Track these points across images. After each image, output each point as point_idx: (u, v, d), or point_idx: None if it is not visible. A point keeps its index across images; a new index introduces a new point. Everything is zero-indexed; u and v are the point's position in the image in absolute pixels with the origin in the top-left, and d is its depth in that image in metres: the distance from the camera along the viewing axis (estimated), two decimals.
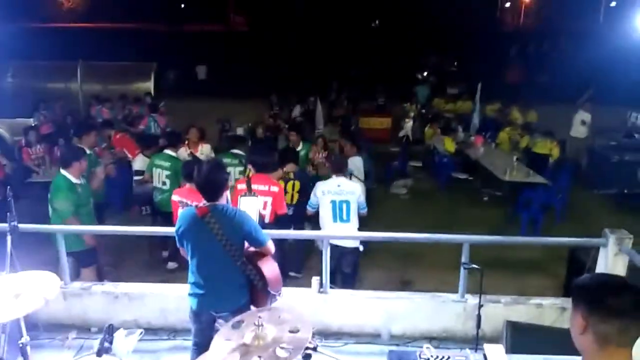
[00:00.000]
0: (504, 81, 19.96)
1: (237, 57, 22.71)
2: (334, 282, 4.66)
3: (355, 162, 6.34)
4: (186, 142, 7.21)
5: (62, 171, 4.63)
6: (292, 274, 5.58)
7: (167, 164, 5.88)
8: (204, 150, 7.27)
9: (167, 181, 5.81)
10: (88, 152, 5.87)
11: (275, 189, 4.69)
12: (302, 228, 5.35)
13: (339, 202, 4.75)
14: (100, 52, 15.38)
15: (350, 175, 5.56)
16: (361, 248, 4.95)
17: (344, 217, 4.75)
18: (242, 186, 4.52)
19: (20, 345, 2.64)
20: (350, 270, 4.96)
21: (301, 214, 5.23)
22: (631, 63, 14.86)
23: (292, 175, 5.36)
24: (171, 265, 5.98)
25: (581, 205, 8.50)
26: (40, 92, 13.32)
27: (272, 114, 12.48)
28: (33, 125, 10.47)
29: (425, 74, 19.79)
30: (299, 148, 6.95)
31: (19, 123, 11.16)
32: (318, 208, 4.90)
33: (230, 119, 12.15)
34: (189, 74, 21.40)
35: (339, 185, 4.81)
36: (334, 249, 4.60)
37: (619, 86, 12.97)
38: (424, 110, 14.02)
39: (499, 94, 13.74)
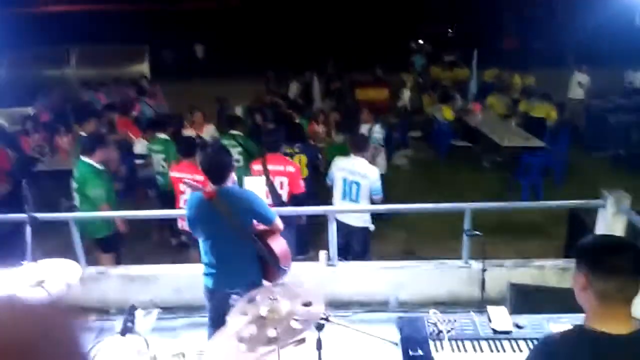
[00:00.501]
0: (500, 47, 19.80)
1: (231, 34, 22.45)
2: (345, 260, 4.75)
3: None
4: (192, 124, 7.28)
5: (85, 158, 4.64)
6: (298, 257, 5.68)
7: (160, 147, 5.94)
8: (209, 131, 7.31)
9: (165, 164, 5.86)
10: None
11: (291, 168, 4.73)
12: (316, 203, 5.32)
13: (350, 181, 4.73)
14: (94, 36, 15.23)
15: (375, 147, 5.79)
16: (371, 228, 4.93)
17: (353, 197, 4.74)
18: (257, 167, 4.58)
19: None
20: (360, 248, 4.95)
21: (313, 189, 5.27)
22: (627, 23, 14.71)
23: (297, 150, 5.42)
24: (174, 241, 6.10)
25: (580, 167, 8.59)
26: (36, 79, 13.31)
27: (270, 90, 12.46)
28: (32, 114, 10.51)
29: (420, 41, 19.62)
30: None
31: (17, 112, 11.20)
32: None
33: (228, 99, 12.14)
34: (184, 54, 21.20)
35: (353, 165, 4.77)
36: (343, 227, 4.68)
37: (616, 47, 12.92)
38: (421, 80, 13.98)
39: (496, 59, 13.68)
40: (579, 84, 10.21)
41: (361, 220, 4.82)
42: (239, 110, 10.55)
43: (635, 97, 9.94)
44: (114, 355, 2.73)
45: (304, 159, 5.43)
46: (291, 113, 7.57)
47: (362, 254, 4.97)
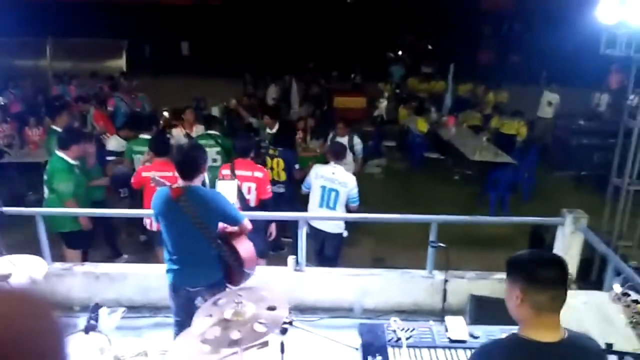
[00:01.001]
0: (476, 61, 20.22)
1: (211, 32, 22.33)
2: (318, 264, 4.88)
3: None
4: (182, 123, 7.22)
5: (59, 153, 4.64)
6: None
7: (145, 148, 5.86)
8: (199, 131, 7.25)
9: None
10: (60, 132, 5.85)
11: (259, 174, 4.77)
12: (291, 208, 5.36)
13: (329, 189, 4.78)
14: (71, 27, 14.94)
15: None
16: (345, 234, 5.04)
17: (331, 204, 4.80)
18: (226, 171, 4.61)
19: None
20: (332, 253, 5.05)
21: (291, 194, 5.38)
22: (600, 45, 15.23)
23: (276, 153, 5.48)
24: (142, 237, 6.06)
25: (547, 184, 8.87)
26: (7, 69, 12.99)
27: (247, 93, 12.45)
28: (2, 104, 10.27)
29: (399, 52, 19.91)
30: (274, 130, 7.04)
31: None
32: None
33: (204, 98, 12.10)
34: (164, 49, 20.99)
35: (333, 173, 4.81)
36: (318, 232, 4.78)
37: (585, 68, 13.36)
38: (398, 90, 14.20)
39: (472, 74, 13.98)
40: (548, 103, 10.56)
41: (337, 227, 4.91)
42: (215, 111, 10.54)
43: (597, 121, 10.29)
44: (77, 353, 2.73)
45: (281, 162, 5.48)
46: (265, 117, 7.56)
47: (335, 259, 5.07)
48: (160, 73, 16.86)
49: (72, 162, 4.65)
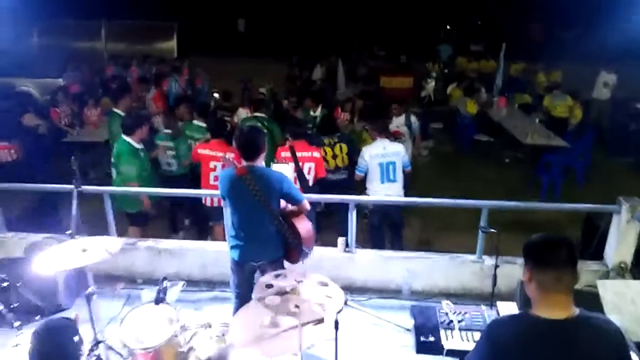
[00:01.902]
0: (528, 38, 19.47)
1: (265, 11, 22.44)
2: (380, 239, 5.23)
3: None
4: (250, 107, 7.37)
5: (125, 137, 4.91)
6: None
7: (198, 135, 5.83)
8: (241, 115, 7.40)
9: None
10: (122, 115, 6.12)
11: (317, 154, 4.99)
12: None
13: (386, 164, 5.01)
14: (125, 10, 15.38)
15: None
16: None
17: (391, 177, 5.03)
18: (285, 153, 4.76)
19: (85, 294, 2.98)
20: (399, 219, 5.36)
21: (353, 181, 5.54)
22: None
23: (336, 139, 5.59)
24: (186, 221, 6.32)
25: (602, 169, 8.58)
26: (65, 51, 13.55)
27: (291, 75, 12.54)
28: (62, 85, 10.79)
29: (448, 27, 19.41)
30: (317, 113, 7.11)
31: (47, 83, 11.50)
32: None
33: (251, 79, 12.29)
34: (218, 28, 21.25)
35: (384, 148, 5.04)
36: (382, 207, 5.07)
37: None
38: (446, 70, 13.91)
39: (524, 51, 13.50)
40: (604, 84, 10.11)
41: (400, 194, 5.14)
42: (263, 91, 10.70)
43: None
44: (148, 322, 2.96)
45: (344, 147, 5.59)
46: (306, 100, 7.58)
47: (402, 225, 5.44)
48: (210, 54, 17.13)
49: (137, 145, 4.91)
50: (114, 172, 4.96)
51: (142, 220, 5.21)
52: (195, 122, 5.97)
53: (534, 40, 19.65)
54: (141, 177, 4.90)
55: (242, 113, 7.38)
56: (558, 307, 1.75)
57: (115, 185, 4.92)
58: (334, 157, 5.57)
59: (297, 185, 4.74)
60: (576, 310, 1.76)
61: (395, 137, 6.55)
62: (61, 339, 2.12)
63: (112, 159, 4.95)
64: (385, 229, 5.36)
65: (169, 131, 5.74)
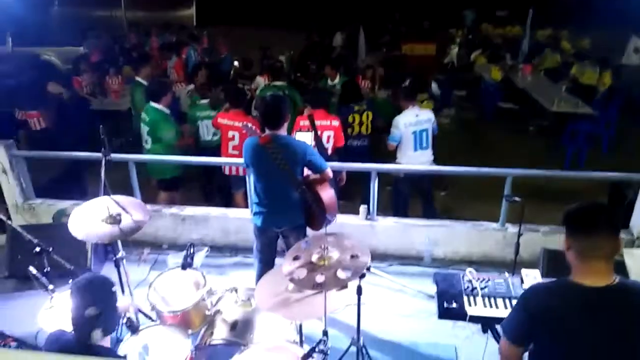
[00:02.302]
0: (556, 2, 18.73)
1: None
2: (405, 207, 5.28)
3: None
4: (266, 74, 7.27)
5: (153, 104, 4.90)
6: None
7: (209, 112, 5.54)
8: (258, 84, 7.34)
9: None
10: (145, 84, 6.14)
11: (336, 123, 4.95)
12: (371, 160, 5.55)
13: (419, 131, 5.00)
14: None
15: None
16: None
17: (424, 144, 5.06)
18: (304, 122, 4.74)
19: (114, 259, 3.06)
20: (429, 186, 5.46)
21: (372, 149, 5.59)
22: None
23: (364, 106, 5.54)
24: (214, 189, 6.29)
25: (629, 138, 8.35)
26: (85, 19, 13.58)
27: (312, 42, 12.36)
28: (83, 53, 10.83)
29: None
30: (336, 81, 7.02)
31: (69, 51, 11.56)
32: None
33: (270, 47, 12.16)
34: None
35: (417, 116, 5.00)
36: (412, 175, 5.13)
37: None
38: (470, 36, 13.56)
39: (552, 16, 13.04)
40: (635, 50, 9.75)
41: (431, 160, 5.17)
42: (282, 59, 10.60)
43: None
44: (176, 286, 3.04)
45: (371, 115, 5.55)
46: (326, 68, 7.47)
47: (430, 194, 5.54)
48: (230, 22, 16.95)
49: (166, 111, 4.95)
50: (148, 141, 4.96)
51: (176, 187, 5.31)
52: (200, 101, 5.76)
53: (563, 5, 18.91)
54: (178, 139, 4.99)
55: (260, 81, 7.32)
56: (597, 274, 1.74)
57: (152, 152, 4.96)
58: (360, 124, 5.54)
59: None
60: (616, 278, 1.75)
61: None
62: (102, 288, 2.23)
63: (145, 128, 4.92)
64: (410, 197, 5.38)
65: (205, 101, 5.59)
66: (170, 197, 5.21)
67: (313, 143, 4.72)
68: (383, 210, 4.91)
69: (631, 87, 9.69)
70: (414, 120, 4.98)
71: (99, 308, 2.13)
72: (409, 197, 5.38)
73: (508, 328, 1.89)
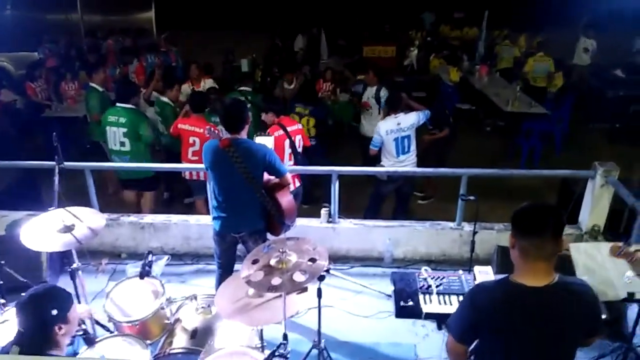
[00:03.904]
0: (512, 2, 19.27)
1: None
2: (379, 208, 5.40)
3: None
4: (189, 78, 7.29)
5: (123, 105, 4.88)
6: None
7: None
8: (206, 85, 7.33)
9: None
10: (100, 89, 6.05)
11: (300, 126, 5.09)
12: (324, 161, 5.69)
13: (401, 138, 5.09)
14: None
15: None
16: None
17: (406, 149, 5.17)
18: (279, 133, 4.72)
19: (70, 270, 3.01)
20: (410, 190, 5.58)
21: (323, 148, 5.72)
22: None
23: (307, 112, 5.64)
24: (187, 200, 6.25)
25: (580, 135, 8.71)
26: (40, 23, 13.15)
27: (274, 46, 12.35)
28: (38, 59, 10.51)
29: None
30: (292, 86, 7.08)
31: (22, 56, 11.18)
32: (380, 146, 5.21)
33: (234, 50, 12.09)
34: (191, 2, 20.74)
35: (398, 124, 5.07)
36: (397, 178, 5.25)
37: (631, 10, 12.66)
38: (429, 38, 13.82)
39: (506, 18, 13.41)
40: (584, 49, 10.15)
41: (415, 164, 5.32)
42: (244, 64, 10.56)
43: (635, 71, 9.82)
44: (134, 296, 3.01)
45: (312, 121, 5.67)
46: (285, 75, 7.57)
47: (409, 197, 5.70)
48: (190, 26, 16.76)
49: (140, 109, 5.03)
50: (125, 143, 4.91)
51: (156, 184, 5.31)
52: (162, 97, 5.88)
53: (518, 7, 19.49)
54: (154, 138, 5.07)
55: (185, 88, 7.06)
56: (538, 274, 1.79)
57: (134, 155, 4.92)
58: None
59: (292, 160, 4.80)
60: (555, 277, 1.81)
61: (364, 108, 6.57)
62: (58, 297, 2.13)
63: (121, 130, 4.86)
64: (387, 200, 5.52)
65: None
66: (152, 198, 5.28)
67: (289, 150, 4.79)
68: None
69: (581, 85, 10.12)
70: (395, 128, 5.07)
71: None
72: (384, 200, 5.50)
73: (454, 325, 1.96)
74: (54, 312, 2.09)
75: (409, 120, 5.16)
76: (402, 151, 5.16)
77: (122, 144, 4.92)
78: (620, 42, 11.76)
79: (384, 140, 5.11)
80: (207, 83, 7.46)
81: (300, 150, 5.01)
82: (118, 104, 4.93)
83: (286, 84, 7.16)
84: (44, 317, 2.08)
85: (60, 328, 2.10)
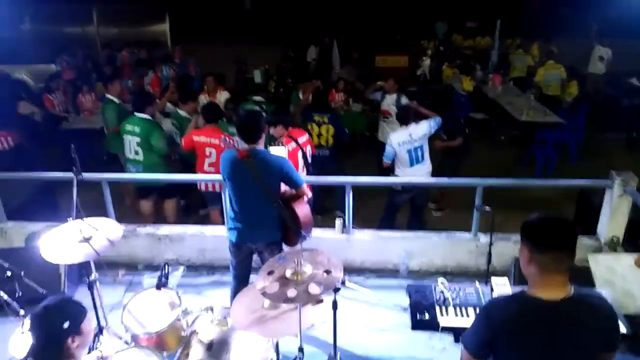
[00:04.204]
0: (525, 10, 19.24)
1: None
2: (394, 218, 5.45)
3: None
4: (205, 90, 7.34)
5: (139, 115, 5.02)
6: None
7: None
8: (221, 98, 7.39)
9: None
10: (116, 101, 6.13)
11: (307, 136, 5.10)
12: (340, 170, 5.79)
13: (414, 149, 5.14)
14: None
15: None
16: None
17: (420, 159, 5.21)
18: (290, 145, 4.72)
19: (88, 281, 3.03)
20: (422, 202, 5.56)
21: (337, 157, 5.80)
22: None
23: (325, 119, 5.66)
24: (202, 211, 6.30)
25: (596, 144, 8.62)
26: (57, 36, 13.42)
27: (286, 57, 12.48)
28: (56, 72, 10.70)
29: None
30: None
31: (40, 69, 11.40)
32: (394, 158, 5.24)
33: (246, 61, 12.21)
34: (205, 15, 21.03)
35: (410, 135, 5.11)
36: (412, 188, 5.26)
37: None
38: (441, 48, 13.84)
39: (519, 27, 13.40)
40: (599, 58, 10.08)
41: (429, 174, 5.33)
42: (257, 75, 10.66)
43: None
44: (151, 307, 3.02)
45: (331, 129, 5.69)
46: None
47: (423, 207, 5.70)
48: (203, 37, 16.97)
49: (155, 119, 5.10)
50: (139, 152, 5.02)
51: (176, 192, 5.39)
52: (179, 111, 5.86)
53: (529, 11, 19.45)
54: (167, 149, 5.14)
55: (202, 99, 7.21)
56: (555, 287, 1.77)
57: (147, 165, 5.03)
58: (319, 135, 5.68)
59: (305, 171, 4.81)
60: (571, 290, 1.78)
61: (384, 116, 6.59)
62: (49, 320, 2.11)
63: (135, 139, 4.99)
64: (402, 209, 5.54)
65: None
66: (174, 206, 5.40)
67: (302, 162, 4.80)
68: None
69: (596, 94, 10.03)
70: (407, 139, 5.12)
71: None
72: (399, 210, 5.51)
73: (469, 341, 1.93)
74: (66, 324, 2.09)
75: (421, 130, 5.17)
76: (417, 161, 5.18)
77: (136, 152, 5.06)
78: (634, 50, 11.65)
79: (396, 151, 5.14)
80: (223, 95, 7.50)
81: (310, 160, 5.04)
82: (135, 114, 5.07)
83: (301, 94, 7.21)
84: (55, 329, 2.09)
85: (73, 340, 2.11)
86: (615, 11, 13.36)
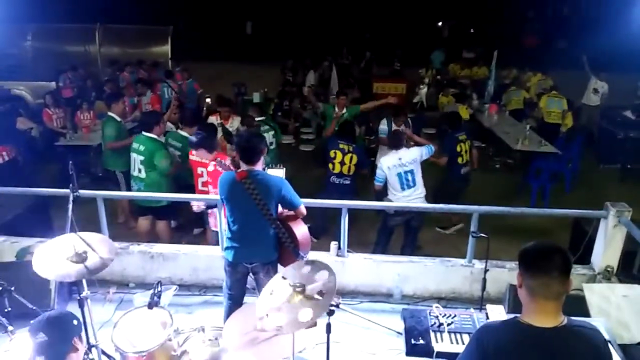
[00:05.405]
0: (521, 46, 19.67)
1: (251, 18, 22.61)
2: (387, 242, 5.49)
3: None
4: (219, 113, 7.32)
5: (146, 134, 5.09)
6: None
7: (179, 144, 5.61)
8: (234, 124, 7.39)
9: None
10: (118, 120, 6.16)
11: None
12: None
13: (404, 173, 5.19)
14: (118, 14, 15.40)
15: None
16: None
17: (411, 184, 5.23)
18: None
19: (79, 298, 2.99)
20: (419, 224, 5.53)
21: (356, 187, 5.88)
22: None
23: (351, 149, 5.76)
24: (196, 230, 6.27)
25: (591, 176, 8.68)
26: (59, 55, 13.53)
27: (286, 80, 12.62)
28: (55, 88, 10.77)
29: (440, 23, 19.60)
30: (343, 111, 7.22)
31: (40, 86, 11.48)
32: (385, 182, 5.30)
33: (244, 83, 12.34)
34: (206, 36, 21.38)
35: (400, 159, 5.18)
36: (405, 213, 5.26)
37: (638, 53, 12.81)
38: (439, 77, 14.04)
39: (516, 59, 13.63)
40: (594, 90, 10.25)
41: (423, 199, 5.36)
42: (256, 97, 10.75)
43: None
44: (142, 326, 2.98)
45: (355, 158, 5.75)
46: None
47: (418, 231, 5.63)
48: (203, 58, 17.17)
49: (161, 139, 5.16)
50: (142, 170, 5.09)
51: (171, 213, 5.40)
52: (180, 131, 5.80)
53: (526, 48, 19.87)
54: (171, 169, 5.18)
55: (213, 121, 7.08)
56: (546, 314, 1.77)
57: (148, 184, 5.09)
58: (342, 163, 5.69)
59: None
60: (564, 319, 1.78)
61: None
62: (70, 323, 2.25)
63: (139, 157, 5.06)
64: (396, 233, 5.55)
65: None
66: (167, 227, 5.39)
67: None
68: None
69: (590, 125, 10.17)
70: (397, 163, 5.17)
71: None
72: (393, 233, 5.52)
73: None
74: (75, 321, 2.25)
75: (411, 155, 5.23)
76: (407, 185, 5.21)
77: (139, 170, 5.12)
78: (630, 84, 11.86)
79: (386, 175, 5.19)
80: (235, 121, 7.44)
81: None
82: (143, 132, 5.14)
83: (336, 108, 7.33)
84: (68, 326, 2.23)
85: (80, 338, 2.27)
86: (612, 45, 13.63)
